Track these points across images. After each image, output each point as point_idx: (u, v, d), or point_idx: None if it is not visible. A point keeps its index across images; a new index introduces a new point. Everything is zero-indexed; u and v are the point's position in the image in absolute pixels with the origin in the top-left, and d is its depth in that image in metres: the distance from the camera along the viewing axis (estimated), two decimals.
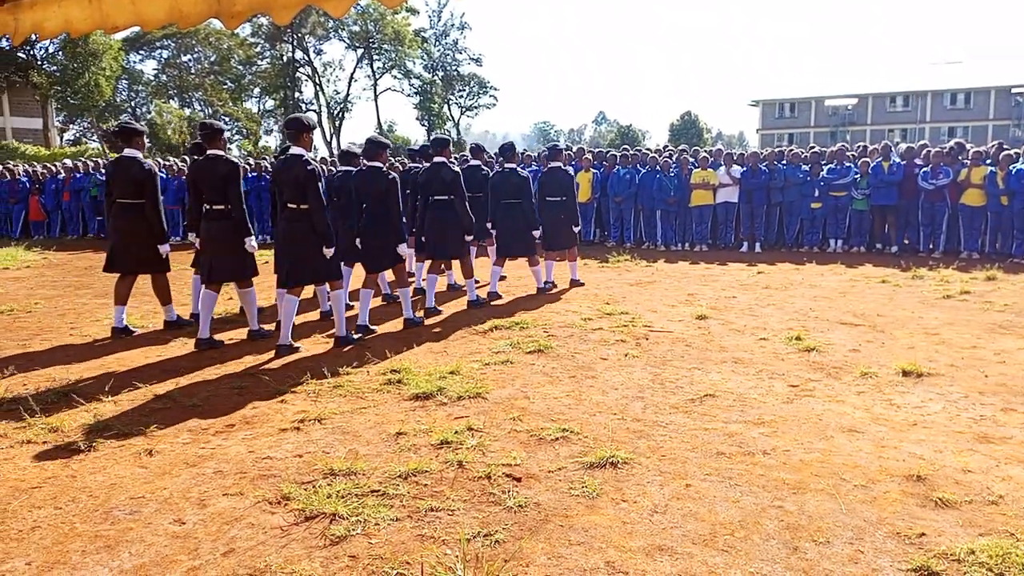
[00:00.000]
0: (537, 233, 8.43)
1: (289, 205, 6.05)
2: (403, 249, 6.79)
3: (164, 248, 6.82)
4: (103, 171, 16.41)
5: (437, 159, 7.48)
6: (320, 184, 6.00)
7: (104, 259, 6.87)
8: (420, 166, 8.46)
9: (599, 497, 3.36)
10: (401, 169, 9.67)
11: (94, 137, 45.92)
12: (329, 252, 6.08)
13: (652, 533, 3.03)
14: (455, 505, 3.30)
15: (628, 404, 4.65)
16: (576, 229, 9.06)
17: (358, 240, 6.85)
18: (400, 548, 2.94)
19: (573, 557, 2.85)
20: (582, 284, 9.12)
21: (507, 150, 8.59)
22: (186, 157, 19.46)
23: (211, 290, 6.40)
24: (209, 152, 6.35)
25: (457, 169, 7.56)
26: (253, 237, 6.41)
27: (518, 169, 8.44)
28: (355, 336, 6.44)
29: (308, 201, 5.93)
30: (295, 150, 6.00)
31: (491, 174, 8.61)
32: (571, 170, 10.12)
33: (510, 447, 3.96)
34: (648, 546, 2.93)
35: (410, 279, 8.22)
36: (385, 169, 6.71)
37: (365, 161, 6.87)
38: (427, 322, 7.23)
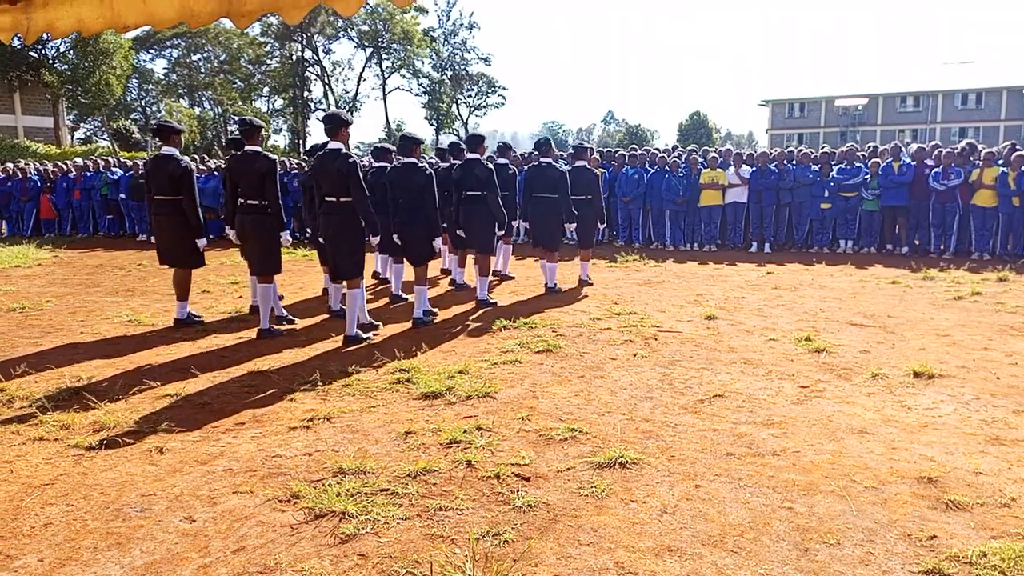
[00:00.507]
0: (572, 227, 8.58)
1: (327, 198, 6.24)
2: (438, 243, 6.98)
3: (201, 242, 7.02)
4: (113, 169, 16.55)
5: (470, 156, 7.73)
6: (361, 176, 6.20)
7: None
8: (445, 164, 8.60)
9: (608, 497, 3.35)
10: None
11: (105, 136, 46.12)
12: (375, 240, 6.33)
13: (661, 534, 3.03)
14: (464, 504, 3.30)
15: (637, 404, 4.64)
16: (602, 227, 9.35)
17: (395, 235, 7.08)
18: (409, 547, 2.95)
19: (582, 557, 2.85)
20: (591, 283, 9.12)
21: (543, 144, 8.68)
22: (196, 156, 19.57)
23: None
24: (247, 148, 6.58)
25: (491, 166, 7.81)
26: (288, 231, 6.69)
27: (554, 164, 8.54)
28: (365, 336, 6.46)
29: (351, 192, 6.11)
30: (333, 144, 6.20)
31: (525, 168, 8.81)
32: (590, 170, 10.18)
33: (519, 447, 3.96)
34: (657, 547, 2.92)
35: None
36: (421, 164, 6.92)
37: (400, 157, 7.12)
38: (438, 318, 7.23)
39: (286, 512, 3.27)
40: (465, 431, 4.14)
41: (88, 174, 16.55)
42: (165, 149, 6.89)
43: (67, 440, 4.16)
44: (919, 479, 3.49)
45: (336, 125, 6.20)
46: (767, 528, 3.06)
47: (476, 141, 7.87)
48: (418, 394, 4.89)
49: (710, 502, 3.30)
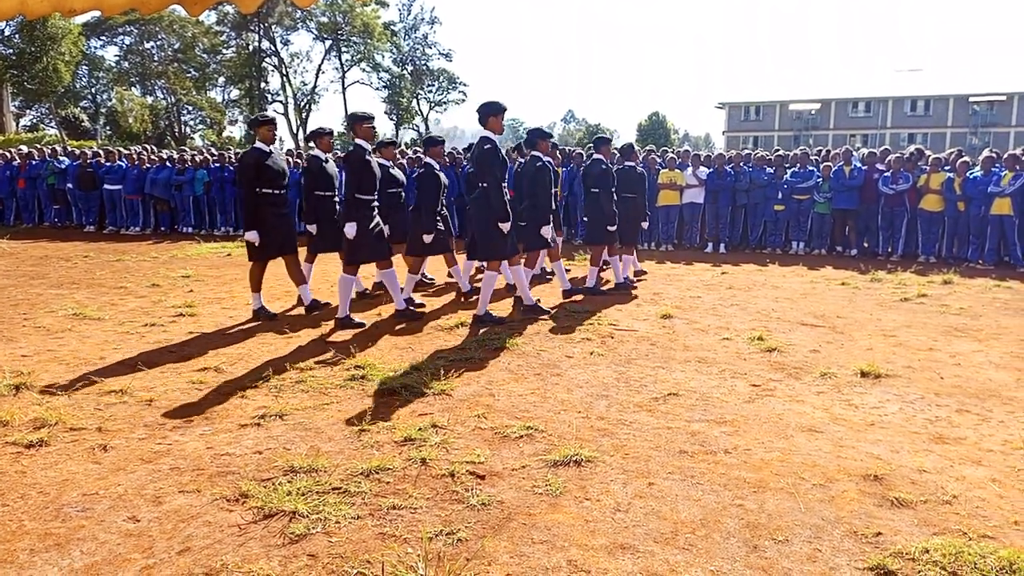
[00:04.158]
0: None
1: (480, 184, 6.62)
2: (546, 231, 7.34)
3: (249, 235, 6.93)
4: (60, 158, 16.06)
5: (596, 156, 8.36)
6: (495, 167, 6.40)
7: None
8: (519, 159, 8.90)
9: (562, 495, 3.36)
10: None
11: (52, 123, 44.71)
12: (505, 227, 6.56)
13: (614, 531, 3.04)
14: (417, 503, 3.27)
15: (593, 402, 4.65)
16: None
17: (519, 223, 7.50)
18: (361, 547, 2.91)
19: (535, 556, 2.85)
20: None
21: (628, 150, 9.30)
22: (146, 146, 19.17)
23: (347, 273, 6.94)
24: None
25: (607, 168, 8.37)
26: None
27: (636, 166, 9.26)
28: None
29: (486, 179, 6.50)
30: (483, 133, 6.54)
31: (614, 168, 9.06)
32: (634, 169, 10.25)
33: (474, 444, 3.94)
34: (610, 544, 2.93)
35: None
36: (543, 158, 7.38)
37: (526, 149, 7.53)
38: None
39: (234, 512, 3.20)
40: (420, 429, 4.11)
41: (33, 162, 16.01)
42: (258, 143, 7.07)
43: (5, 437, 4.01)
44: (865, 477, 3.57)
45: (484, 113, 6.50)
46: (718, 525, 3.09)
47: (601, 143, 8.51)
48: (373, 391, 4.83)
49: (663, 500, 3.33)
